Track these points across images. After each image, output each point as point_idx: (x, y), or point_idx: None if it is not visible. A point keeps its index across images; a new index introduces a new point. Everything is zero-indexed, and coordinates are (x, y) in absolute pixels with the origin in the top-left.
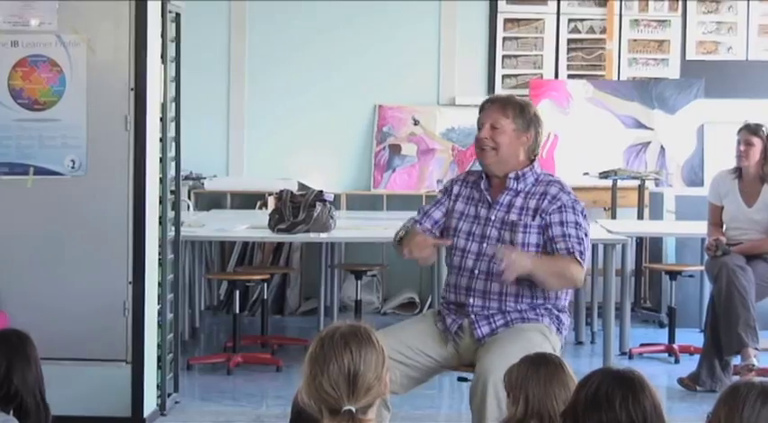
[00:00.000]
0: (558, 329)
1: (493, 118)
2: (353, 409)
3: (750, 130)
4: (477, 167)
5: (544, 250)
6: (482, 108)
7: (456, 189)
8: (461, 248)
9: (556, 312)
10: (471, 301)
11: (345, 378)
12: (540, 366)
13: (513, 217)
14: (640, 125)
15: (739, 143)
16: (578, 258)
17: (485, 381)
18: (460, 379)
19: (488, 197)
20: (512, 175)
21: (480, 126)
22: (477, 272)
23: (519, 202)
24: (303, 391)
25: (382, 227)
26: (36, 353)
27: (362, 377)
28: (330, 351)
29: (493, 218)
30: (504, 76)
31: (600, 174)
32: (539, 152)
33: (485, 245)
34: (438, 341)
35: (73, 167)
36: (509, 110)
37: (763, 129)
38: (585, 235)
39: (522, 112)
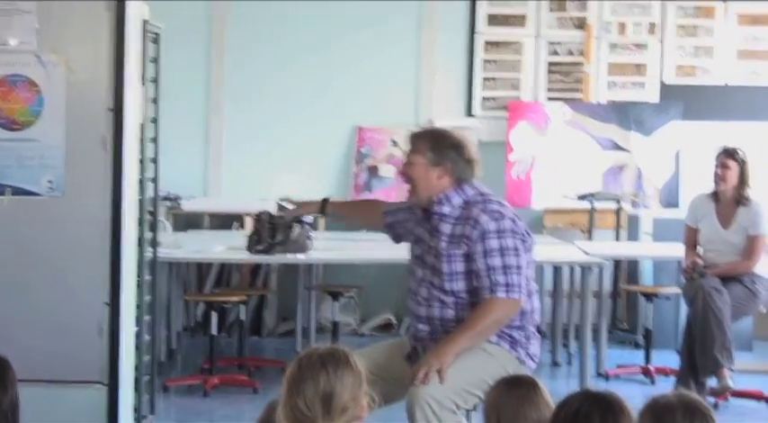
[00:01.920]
0: (511, 346)
1: (408, 154)
2: None
3: (727, 153)
4: None
5: (470, 279)
6: None
7: (417, 214)
8: (412, 272)
9: (507, 331)
10: (420, 326)
11: (321, 399)
12: (513, 388)
13: (441, 244)
14: (618, 147)
15: (717, 166)
16: (502, 295)
17: (411, 400)
18: None
19: (427, 223)
20: (435, 199)
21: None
22: (419, 297)
23: (448, 228)
24: (280, 413)
25: (360, 248)
26: (13, 377)
27: (338, 398)
28: (307, 371)
29: (431, 244)
30: (483, 99)
31: (578, 196)
32: (468, 176)
33: (422, 270)
34: (406, 363)
35: (50, 188)
36: (420, 144)
37: (740, 152)
38: (516, 255)
39: (432, 145)
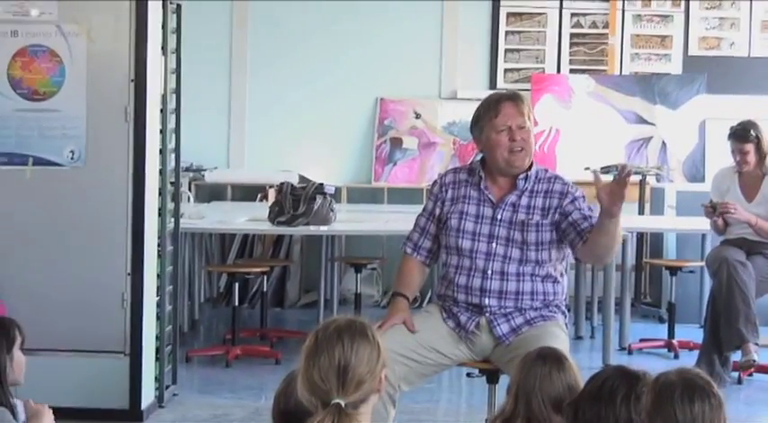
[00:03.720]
0: (565, 323)
1: (518, 120)
2: (342, 403)
3: (738, 138)
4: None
5: (560, 243)
6: (496, 108)
7: (450, 193)
8: (469, 249)
9: (563, 308)
10: (487, 301)
11: (335, 371)
12: (536, 365)
13: (521, 216)
14: (642, 120)
15: (734, 152)
16: None
17: None
18: (469, 375)
19: (491, 197)
20: (521, 175)
21: (501, 127)
22: (490, 272)
23: (525, 200)
24: (299, 384)
25: (383, 220)
26: (7, 341)
27: (353, 370)
28: (323, 343)
29: (499, 217)
30: (506, 70)
31: (601, 169)
32: None
33: (494, 244)
34: (450, 339)
35: (72, 158)
36: (524, 108)
37: (751, 131)
38: None
39: (530, 108)
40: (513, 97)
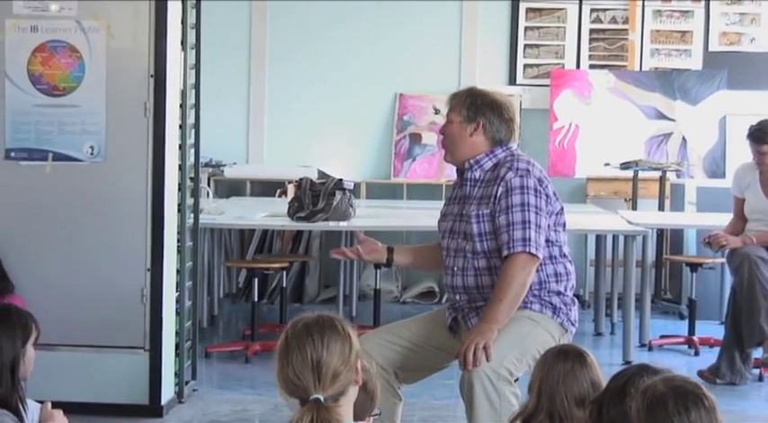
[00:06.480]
0: (554, 313)
1: (447, 113)
2: (321, 398)
3: (756, 139)
4: None
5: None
6: None
7: (449, 192)
8: (444, 247)
9: (547, 297)
10: (458, 297)
11: (309, 367)
12: (558, 361)
13: (471, 208)
14: (662, 116)
15: (753, 153)
16: (519, 249)
17: (469, 377)
18: None
19: (460, 193)
20: (466, 165)
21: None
22: (456, 268)
23: (479, 192)
24: (278, 386)
25: (402, 216)
26: (23, 334)
27: (327, 365)
28: (293, 341)
29: (464, 212)
30: (525, 66)
31: (621, 164)
32: (505, 137)
33: (459, 240)
34: (446, 334)
35: (92, 154)
36: (454, 102)
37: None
38: (536, 212)
39: (468, 103)
40: (453, 93)
